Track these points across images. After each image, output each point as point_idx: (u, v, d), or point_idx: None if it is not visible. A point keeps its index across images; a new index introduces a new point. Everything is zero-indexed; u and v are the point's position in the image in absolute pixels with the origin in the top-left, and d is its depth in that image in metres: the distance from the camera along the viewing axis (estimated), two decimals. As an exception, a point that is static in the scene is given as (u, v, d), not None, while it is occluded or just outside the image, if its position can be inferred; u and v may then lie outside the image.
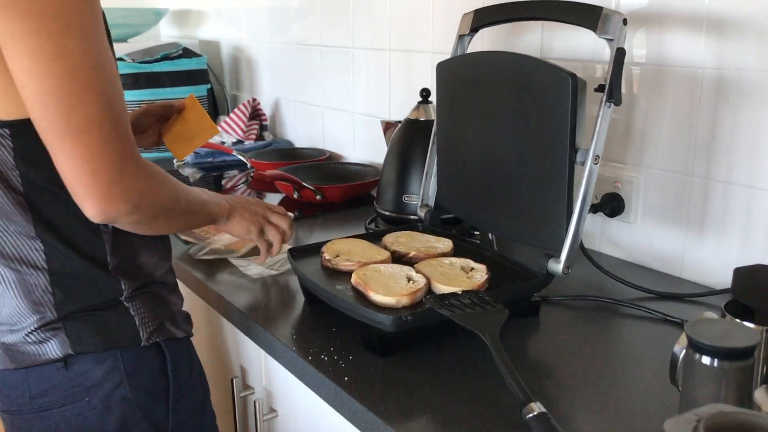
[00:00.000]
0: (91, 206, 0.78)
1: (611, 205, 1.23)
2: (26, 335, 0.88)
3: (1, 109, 0.80)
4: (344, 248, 1.10)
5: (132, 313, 0.91)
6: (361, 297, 0.95)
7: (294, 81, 2.18)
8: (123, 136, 0.79)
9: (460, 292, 0.91)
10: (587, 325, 1.01)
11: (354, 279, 0.98)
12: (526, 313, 1.02)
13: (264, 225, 1.10)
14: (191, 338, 1.01)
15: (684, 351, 0.70)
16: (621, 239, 1.26)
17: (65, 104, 0.74)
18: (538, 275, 0.99)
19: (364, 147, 1.91)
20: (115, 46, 0.89)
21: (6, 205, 0.84)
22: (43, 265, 0.86)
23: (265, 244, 1.11)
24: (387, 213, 1.41)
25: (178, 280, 1.03)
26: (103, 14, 0.82)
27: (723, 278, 1.11)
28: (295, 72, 2.16)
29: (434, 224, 1.22)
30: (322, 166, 1.86)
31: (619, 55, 0.93)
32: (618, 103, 0.93)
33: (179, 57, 2.23)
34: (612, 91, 0.93)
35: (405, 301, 0.92)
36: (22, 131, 0.80)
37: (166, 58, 2.20)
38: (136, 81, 2.13)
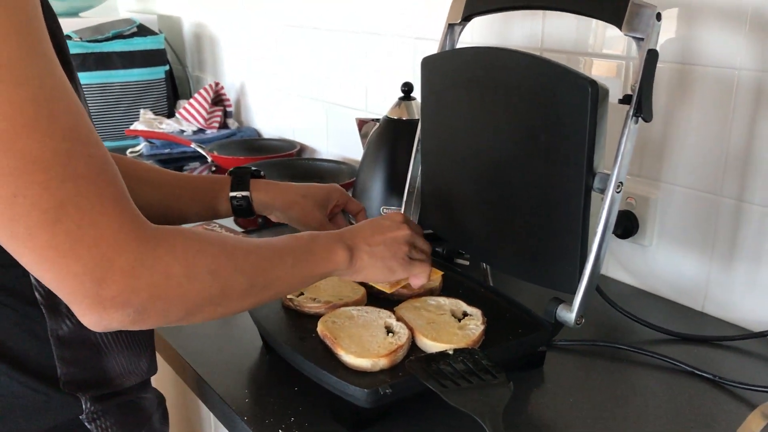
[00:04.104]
0: (82, 316, 0.55)
1: (623, 224, 1.06)
2: None
3: None
4: (310, 282, 0.91)
5: None
6: (328, 353, 0.77)
7: (261, 64, 1.97)
8: (107, 213, 0.53)
9: (451, 352, 0.74)
10: (600, 380, 0.84)
11: (320, 329, 0.79)
12: (528, 365, 0.85)
13: (409, 254, 0.79)
14: None
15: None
16: (633, 264, 1.09)
17: (0, 195, 0.49)
18: (545, 325, 0.82)
19: (338, 140, 1.71)
20: (64, 21, 0.62)
21: None
22: None
23: (414, 276, 0.81)
24: (362, 226, 1.23)
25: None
26: (55, 20, 0.59)
27: (754, 316, 0.95)
28: (262, 54, 1.96)
29: (417, 247, 1.04)
30: (292, 162, 1.67)
31: (651, 58, 0.74)
32: (648, 118, 0.75)
33: (133, 35, 2.01)
34: (641, 103, 0.75)
35: (383, 363, 0.74)
36: None
37: (119, 36, 1.98)
38: (83, 62, 1.91)
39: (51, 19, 0.59)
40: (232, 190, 0.93)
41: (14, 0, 0.49)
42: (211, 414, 0.85)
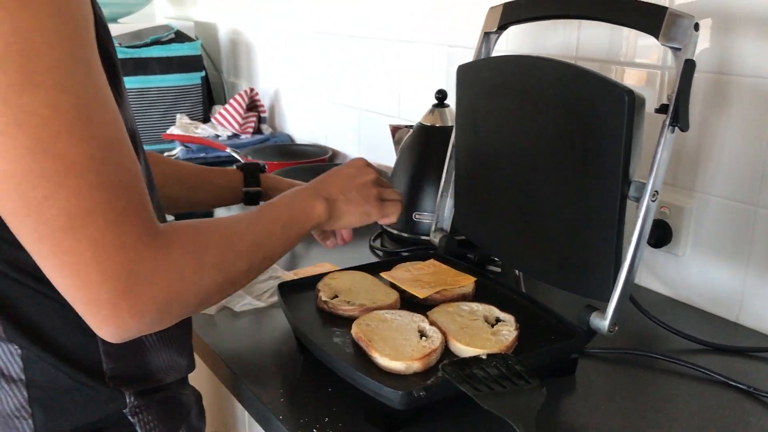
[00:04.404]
0: (97, 327, 0.55)
1: (657, 233, 1.06)
2: None
3: None
4: (344, 285, 0.93)
5: (139, 431, 0.70)
6: (362, 355, 0.79)
7: (295, 70, 2.00)
8: (129, 222, 0.54)
9: (484, 357, 0.75)
10: (632, 389, 0.84)
11: (355, 332, 0.81)
12: (561, 371, 0.86)
13: (380, 195, 0.85)
14: None
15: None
16: (667, 273, 1.09)
17: (32, 196, 0.50)
18: (578, 332, 0.82)
19: (371, 146, 1.73)
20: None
21: None
22: (20, 375, 0.64)
23: (385, 216, 0.87)
24: (394, 231, 1.24)
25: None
26: (105, 28, 0.61)
27: (790, 328, 0.94)
28: (296, 60, 1.98)
29: (450, 253, 1.05)
30: (324, 168, 1.67)
31: (688, 68, 0.74)
32: (685, 127, 0.75)
33: (171, 41, 2.04)
34: (678, 112, 0.75)
35: (416, 366, 0.75)
36: None
37: (157, 42, 2.02)
38: (122, 67, 1.94)
39: (102, 28, 0.61)
40: (245, 186, 1.07)
41: (66, 9, 0.51)
42: (246, 412, 0.87)
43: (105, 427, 0.69)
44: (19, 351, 0.64)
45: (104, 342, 0.66)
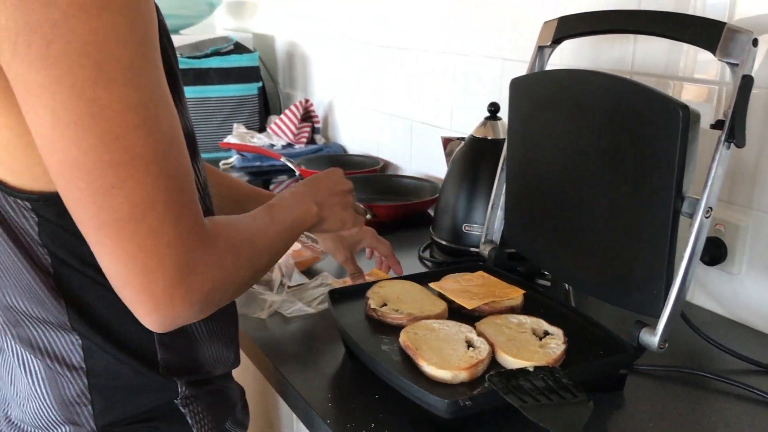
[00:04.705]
0: (146, 315, 0.57)
1: (711, 251, 1.04)
2: None
3: (25, 175, 0.61)
4: (393, 294, 0.94)
5: (189, 420, 0.73)
6: (409, 363, 0.80)
7: (349, 82, 2.03)
8: (185, 214, 0.57)
9: (531, 369, 0.75)
10: (682, 408, 0.82)
11: (402, 340, 0.82)
12: (609, 387, 0.85)
13: (353, 205, 0.91)
14: None
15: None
16: (720, 292, 1.07)
17: (99, 184, 0.53)
18: (627, 348, 0.82)
19: (422, 157, 1.74)
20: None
21: (35, 286, 0.65)
22: (81, 364, 0.68)
23: (350, 229, 0.94)
24: (444, 243, 1.25)
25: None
26: (168, 37, 0.65)
27: None
28: (350, 72, 2.01)
29: (499, 265, 1.05)
30: (376, 178, 1.70)
31: (746, 84, 0.74)
32: (741, 144, 0.75)
33: (230, 52, 2.10)
34: (734, 128, 0.74)
35: (463, 376, 0.75)
36: (50, 203, 0.61)
37: (216, 53, 2.08)
38: (183, 77, 2.00)
39: (164, 35, 0.64)
40: None
41: (138, 13, 0.55)
42: (294, 415, 0.88)
43: (158, 417, 0.72)
44: (80, 341, 0.67)
45: (159, 333, 0.69)
